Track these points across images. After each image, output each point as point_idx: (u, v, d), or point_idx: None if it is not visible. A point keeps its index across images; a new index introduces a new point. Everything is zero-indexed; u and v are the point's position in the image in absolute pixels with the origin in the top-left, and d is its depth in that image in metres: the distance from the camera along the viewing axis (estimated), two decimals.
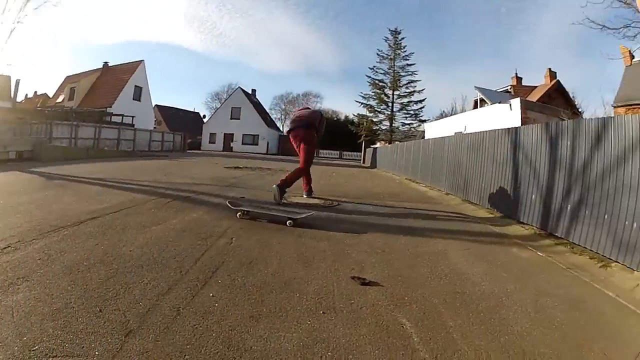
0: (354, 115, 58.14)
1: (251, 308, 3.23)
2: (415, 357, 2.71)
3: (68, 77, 53.82)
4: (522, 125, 21.19)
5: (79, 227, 5.18)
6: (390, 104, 49.95)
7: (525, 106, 23.48)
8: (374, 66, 50.59)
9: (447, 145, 14.68)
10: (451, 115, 47.75)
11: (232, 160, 26.43)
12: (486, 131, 11.15)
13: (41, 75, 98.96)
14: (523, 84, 40.99)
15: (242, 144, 68.13)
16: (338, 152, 66.28)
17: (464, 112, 36.96)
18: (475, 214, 9.80)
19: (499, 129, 10.28)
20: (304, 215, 6.41)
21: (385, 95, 50.05)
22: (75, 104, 45.54)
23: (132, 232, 5.10)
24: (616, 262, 5.53)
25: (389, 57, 49.90)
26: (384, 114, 50.48)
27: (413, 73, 49.70)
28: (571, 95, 39.01)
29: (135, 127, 39.93)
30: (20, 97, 48.27)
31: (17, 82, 38.78)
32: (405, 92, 49.78)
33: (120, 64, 51.99)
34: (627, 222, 5.33)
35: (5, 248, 4.24)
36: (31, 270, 3.62)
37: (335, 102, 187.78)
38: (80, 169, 13.70)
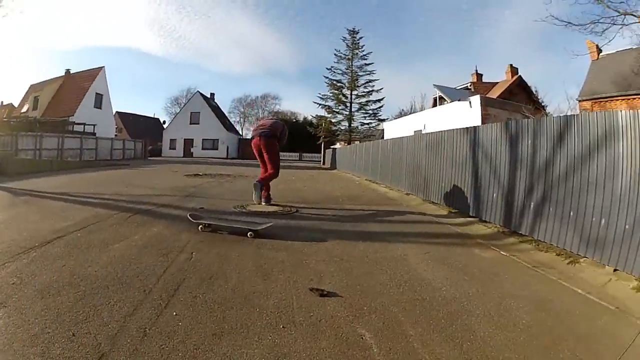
0: (312, 116, 58.17)
1: (214, 325, 3.21)
2: None
3: (32, 86, 52.71)
4: (482, 122, 21.55)
5: (47, 247, 5.10)
6: (348, 104, 50.14)
7: (485, 103, 23.67)
8: (332, 67, 50.64)
9: (406, 145, 14.76)
10: (410, 114, 48.07)
11: (193, 167, 26.35)
12: (444, 131, 11.25)
13: (6, 85, 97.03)
14: (485, 80, 41.36)
15: (202, 149, 67.96)
16: (298, 154, 65.93)
17: (424, 111, 37.10)
18: (436, 214, 9.88)
19: (457, 129, 10.37)
20: (264, 226, 6.38)
21: (344, 95, 50.22)
22: (39, 114, 44.80)
23: (96, 251, 5.03)
24: (585, 257, 5.56)
25: (347, 57, 50.05)
26: (342, 114, 50.65)
27: (371, 72, 49.96)
28: (534, 90, 39.47)
29: (97, 135, 39.66)
30: None
31: None
32: (364, 92, 49.99)
33: (81, 71, 51.15)
34: (594, 219, 5.42)
35: None
36: (7, 296, 3.59)
37: (295, 103, 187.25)
38: (45, 182, 13.48)
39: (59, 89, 49.00)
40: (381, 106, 50.42)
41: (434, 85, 35.76)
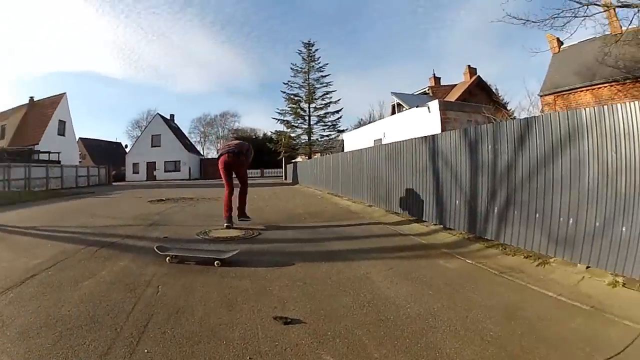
0: (272, 132, 58.38)
1: None
2: None
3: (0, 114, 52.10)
4: (442, 126, 21.78)
5: (22, 287, 5.07)
6: (307, 118, 50.59)
7: (444, 107, 23.80)
8: (289, 81, 51.14)
9: (366, 157, 14.82)
10: (370, 123, 48.23)
11: (156, 192, 26.17)
12: (403, 140, 11.31)
13: None
14: (444, 82, 41.95)
15: (165, 171, 68.06)
16: (259, 170, 65.89)
17: (383, 119, 37.14)
18: (399, 225, 9.93)
19: (416, 138, 10.45)
20: (230, 254, 6.35)
21: (302, 109, 50.56)
22: (6, 143, 44.44)
23: (68, 290, 4.99)
24: (555, 257, 5.63)
25: (304, 71, 50.49)
26: (301, 128, 51.08)
27: (328, 84, 50.57)
28: (494, 89, 39.87)
29: (61, 163, 39.51)
30: None
31: None
32: (322, 104, 50.63)
33: (44, 99, 51.02)
34: (562, 219, 5.48)
35: None
36: None
37: (255, 120, 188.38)
38: (15, 216, 13.34)
39: (23, 116, 48.55)
40: (340, 117, 51.20)
41: (392, 93, 36.09)
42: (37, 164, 34.22)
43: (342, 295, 4.79)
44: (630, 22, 15.80)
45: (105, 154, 76.16)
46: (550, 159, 5.75)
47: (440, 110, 23.09)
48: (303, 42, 51.26)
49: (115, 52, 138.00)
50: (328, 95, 50.41)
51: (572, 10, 15.77)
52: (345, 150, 35.97)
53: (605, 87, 21.00)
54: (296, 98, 50.62)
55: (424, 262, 6.33)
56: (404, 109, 31.09)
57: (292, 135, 51.33)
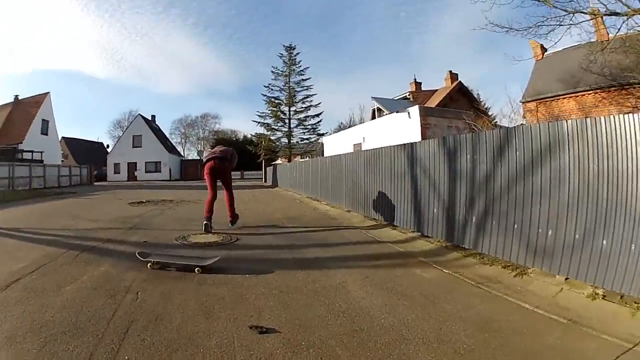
0: (252, 135, 58.38)
1: None
2: None
3: None
4: (422, 132, 21.83)
5: (7, 292, 5.11)
6: (287, 121, 50.82)
7: (425, 113, 23.76)
8: (270, 84, 51.48)
9: (345, 162, 14.88)
10: (350, 127, 48.25)
11: (136, 193, 26.04)
12: (382, 147, 11.39)
13: None
14: (426, 87, 41.65)
15: (146, 172, 67.69)
16: (239, 172, 65.38)
17: (363, 124, 37.07)
18: (377, 232, 9.98)
19: (395, 145, 10.51)
20: (211, 261, 6.38)
21: (282, 112, 50.87)
22: None
23: (51, 295, 5.03)
24: (534, 268, 5.65)
25: (284, 74, 50.76)
26: (281, 131, 51.38)
27: (309, 87, 50.89)
28: (476, 94, 39.91)
29: (44, 162, 39.08)
30: None
31: None
32: (302, 108, 50.90)
33: (28, 97, 50.45)
34: (540, 230, 5.54)
35: None
36: None
37: (235, 122, 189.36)
38: None
39: (8, 115, 47.94)
40: (320, 121, 51.45)
41: (372, 97, 35.97)
42: (21, 163, 33.96)
43: (317, 304, 4.83)
44: (619, 29, 15.58)
45: (87, 154, 75.82)
46: (529, 170, 5.79)
47: (420, 115, 23.09)
48: (284, 46, 51.70)
49: (99, 52, 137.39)
50: (308, 99, 50.82)
51: (557, 18, 15.62)
52: (325, 153, 36.34)
53: (590, 94, 20.91)
54: (277, 101, 50.89)
55: (400, 271, 6.36)
56: (384, 113, 30.99)
57: (272, 138, 51.53)
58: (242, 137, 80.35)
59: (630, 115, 4.51)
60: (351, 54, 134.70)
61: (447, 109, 27.74)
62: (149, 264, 6.37)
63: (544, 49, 25.18)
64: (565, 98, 22.03)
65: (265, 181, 47.20)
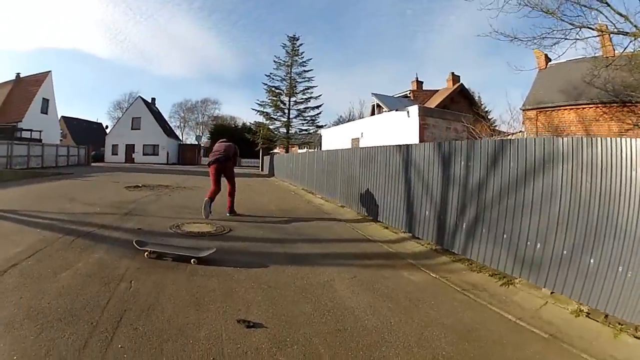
0: (251, 123, 58.46)
1: (153, 358, 3.43)
2: None
3: None
4: (420, 132, 21.78)
5: (4, 277, 5.16)
6: (287, 111, 50.08)
7: (424, 113, 23.66)
8: (271, 73, 50.43)
9: (341, 158, 14.98)
10: (349, 121, 48.67)
11: (133, 176, 25.92)
12: (378, 146, 11.50)
13: None
14: (427, 87, 41.13)
15: (144, 154, 67.32)
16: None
17: (362, 119, 36.88)
18: (368, 229, 10.11)
19: (390, 145, 10.59)
20: (207, 253, 6.47)
21: (282, 102, 50.12)
22: None
23: (47, 281, 5.11)
24: (520, 279, 5.71)
25: (286, 64, 50.01)
26: (280, 120, 50.60)
27: (310, 79, 50.10)
28: (477, 98, 39.84)
29: (43, 142, 38.59)
30: None
31: None
32: (302, 99, 50.05)
33: (29, 76, 49.87)
34: (529, 242, 5.57)
35: None
36: None
37: (235, 108, 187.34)
38: None
39: (8, 93, 47.57)
40: (319, 113, 50.35)
41: (372, 93, 35.41)
42: (19, 142, 33.72)
43: (304, 301, 4.95)
44: (625, 48, 15.41)
45: (86, 134, 75.69)
46: (522, 182, 5.83)
47: (419, 115, 23.00)
48: (288, 36, 50.81)
49: (103, 31, 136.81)
50: (309, 90, 49.94)
51: (563, 32, 15.57)
52: (323, 145, 36.57)
53: (591, 107, 20.82)
54: (277, 91, 50.08)
55: (388, 272, 6.46)
56: (384, 110, 30.81)
57: (271, 127, 50.91)
58: (241, 124, 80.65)
59: (627, 139, 4.55)
60: (354, 47, 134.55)
61: (446, 111, 27.57)
62: (146, 253, 6.45)
63: (548, 59, 25.03)
64: (566, 109, 21.95)
65: (262, 170, 47.43)
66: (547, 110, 22.97)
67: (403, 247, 8.27)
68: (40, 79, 48.95)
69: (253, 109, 52.37)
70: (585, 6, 15.41)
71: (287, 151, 47.69)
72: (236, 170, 11.89)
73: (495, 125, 27.57)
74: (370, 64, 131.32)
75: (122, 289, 5.03)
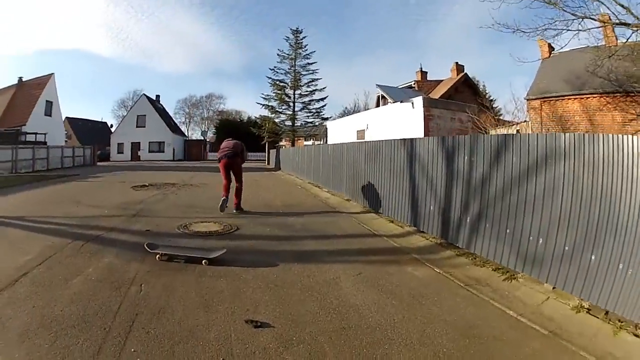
0: (256, 117, 59.02)
1: None
2: None
3: None
4: (425, 123, 21.71)
5: (15, 287, 5.22)
6: (291, 104, 50.33)
7: (428, 104, 23.55)
8: (275, 66, 50.75)
9: (346, 152, 15.03)
10: (354, 112, 48.38)
11: (139, 175, 25.93)
12: (382, 140, 11.53)
13: None
14: (431, 76, 41.03)
15: (149, 151, 67.27)
16: None
17: (367, 111, 36.75)
18: (374, 223, 10.13)
19: (395, 140, 10.60)
20: (218, 254, 6.53)
21: (286, 95, 50.32)
22: None
23: (58, 289, 5.18)
24: (523, 273, 5.72)
25: (290, 57, 50.16)
26: (285, 114, 50.89)
27: (314, 72, 50.29)
28: (481, 87, 39.69)
29: (47, 144, 38.61)
30: None
31: None
32: (307, 91, 50.37)
33: (32, 79, 49.68)
34: (532, 238, 5.57)
35: None
36: None
37: (240, 102, 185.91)
38: (2, 203, 13.17)
39: (11, 98, 47.45)
40: (324, 105, 51.10)
41: (377, 85, 35.30)
42: (24, 146, 33.61)
43: (310, 300, 5.05)
44: (627, 39, 15.26)
45: (91, 134, 75.40)
46: (525, 178, 5.80)
47: (424, 106, 22.90)
48: (291, 29, 51.26)
49: (105, 30, 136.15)
50: (313, 83, 50.22)
51: (566, 22, 15.39)
52: (329, 138, 36.61)
53: (595, 97, 20.69)
54: (281, 84, 50.34)
55: (393, 268, 6.50)
56: (389, 101, 30.68)
57: (277, 120, 51.13)
58: (246, 119, 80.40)
59: (629, 136, 4.52)
60: (358, 38, 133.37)
61: (451, 101, 27.51)
62: (158, 256, 6.54)
63: (551, 48, 24.81)
64: (570, 99, 21.85)
65: (268, 163, 47.09)
66: (551, 100, 22.79)
67: (408, 241, 8.29)
68: (43, 81, 48.86)
69: (258, 103, 52.79)
70: None
71: (293, 144, 47.99)
72: (243, 164, 11.95)
73: (500, 115, 27.51)
74: (374, 54, 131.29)
75: (133, 292, 5.13)
